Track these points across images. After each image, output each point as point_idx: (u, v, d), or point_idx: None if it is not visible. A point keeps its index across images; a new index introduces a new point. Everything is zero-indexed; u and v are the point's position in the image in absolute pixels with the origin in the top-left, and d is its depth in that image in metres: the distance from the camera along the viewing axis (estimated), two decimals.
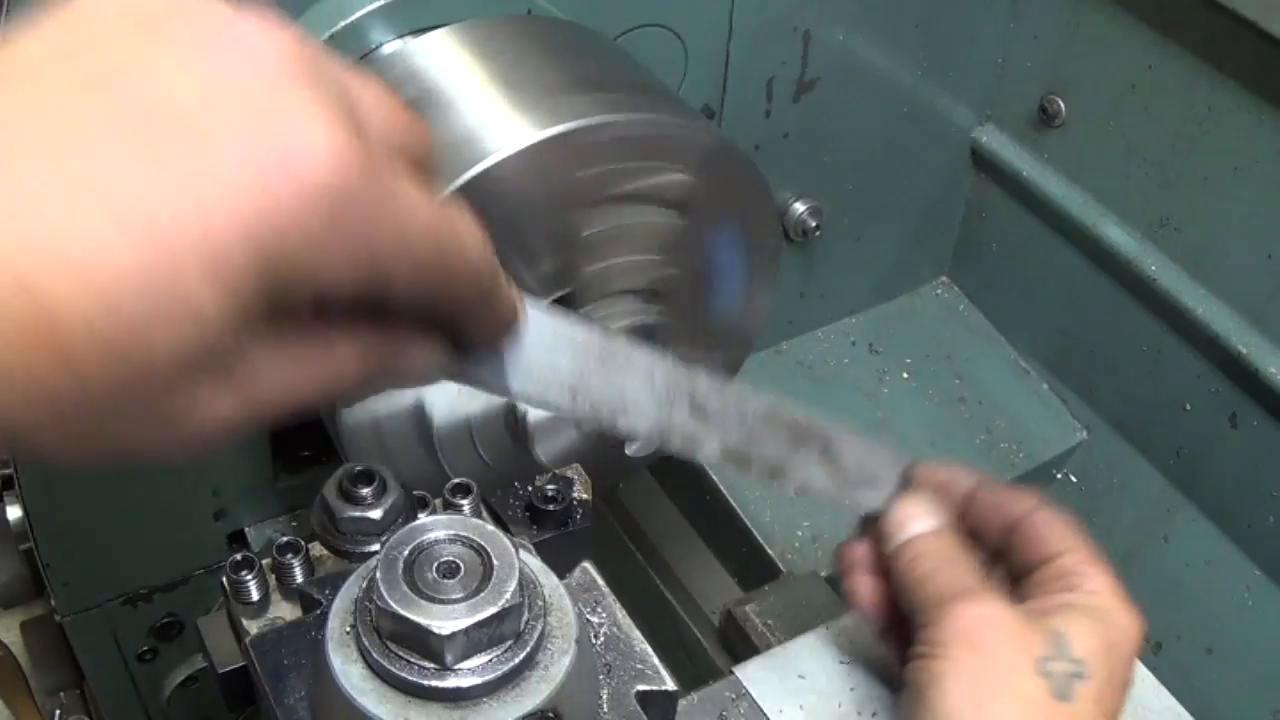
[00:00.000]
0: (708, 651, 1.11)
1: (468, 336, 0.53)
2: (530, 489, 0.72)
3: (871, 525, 0.72)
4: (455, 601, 0.53)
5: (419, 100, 0.77)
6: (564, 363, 0.61)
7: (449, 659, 0.53)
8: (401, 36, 0.83)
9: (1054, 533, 0.69)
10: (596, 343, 0.62)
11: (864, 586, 0.72)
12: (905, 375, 1.36)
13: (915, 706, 0.62)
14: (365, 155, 0.42)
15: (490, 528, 0.57)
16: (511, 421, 0.82)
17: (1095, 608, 0.64)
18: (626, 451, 0.82)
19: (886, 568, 0.70)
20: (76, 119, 0.39)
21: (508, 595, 0.54)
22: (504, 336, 0.56)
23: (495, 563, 0.55)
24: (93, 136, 0.39)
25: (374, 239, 0.43)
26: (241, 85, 0.41)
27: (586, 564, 0.67)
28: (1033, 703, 0.60)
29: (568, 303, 0.80)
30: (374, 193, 0.42)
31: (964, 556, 0.68)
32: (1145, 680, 0.80)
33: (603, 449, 0.86)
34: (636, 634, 0.64)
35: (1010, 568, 0.70)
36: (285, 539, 0.66)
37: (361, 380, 0.49)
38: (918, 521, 0.70)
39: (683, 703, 0.70)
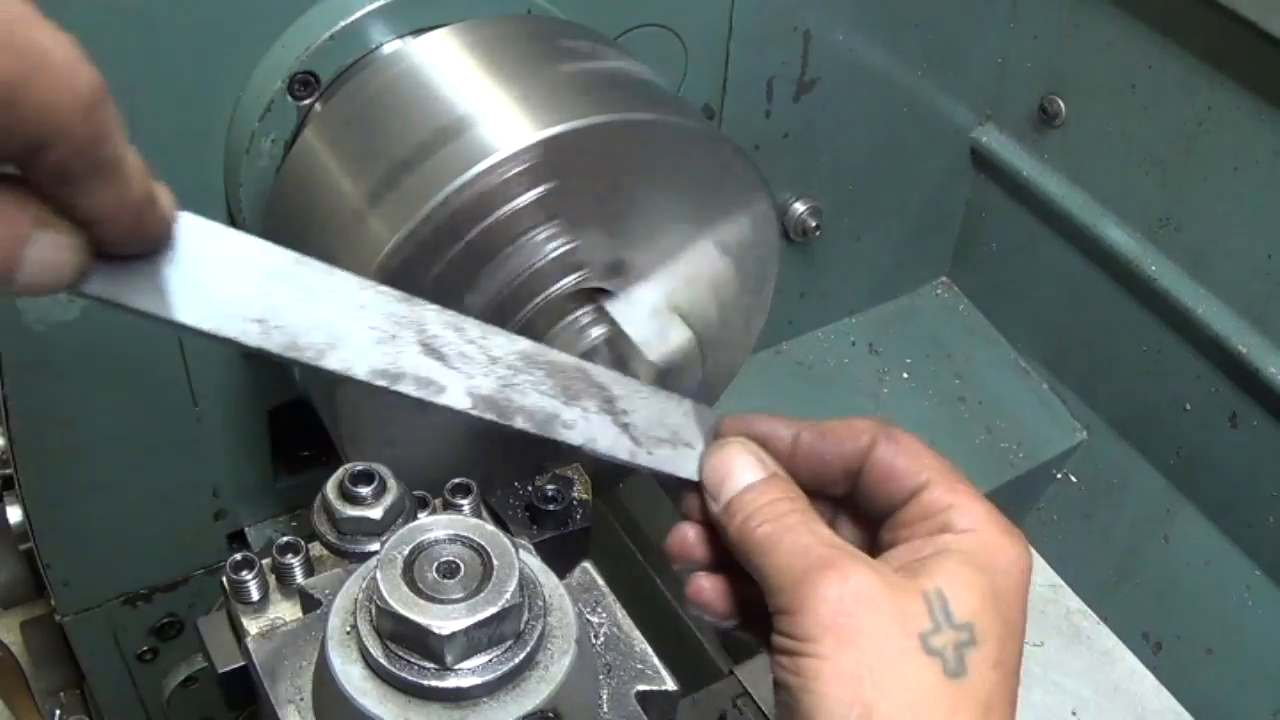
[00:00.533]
0: (708, 651, 1.11)
1: (95, 218, 0.45)
2: (530, 489, 0.72)
3: (691, 499, 0.64)
4: (455, 601, 0.53)
5: (419, 100, 0.77)
6: (246, 288, 0.52)
7: (449, 659, 0.53)
8: (401, 36, 0.83)
9: (908, 464, 0.60)
10: (287, 267, 0.54)
11: (706, 590, 0.63)
12: (905, 375, 1.36)
13: (790, 714, 0.54)
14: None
15: (490, 528, 0.57)
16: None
17: (970, 549, 0.56)
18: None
19: (724, 550, 0.62)
20: None
21: (508, 595, 0.54)
22: (142, 232, 0.48)
23: (495, 563, 0.55)
24: None
25: (14, 66, 0.38)
26: None
27: (586, 564, 0.67)
28: (925, 690, 0.52)
29: (564, 303, 0.80)
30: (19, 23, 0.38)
31: (804, 506, 0.59)
32: (1145, 680, 0.80)
33: None
34: (636, 634, 0.64)
35: (865, 513, 0.62)
36: (285, 539, 0.66)
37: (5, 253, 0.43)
38: (741, 472, 0.61)
39: (683, 703, 0.70)
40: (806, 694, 0.53)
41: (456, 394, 0.58)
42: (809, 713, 0.53)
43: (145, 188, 0.47)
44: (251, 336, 0.53)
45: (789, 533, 0.57)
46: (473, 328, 0.59)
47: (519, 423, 0.59)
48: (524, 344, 0.60)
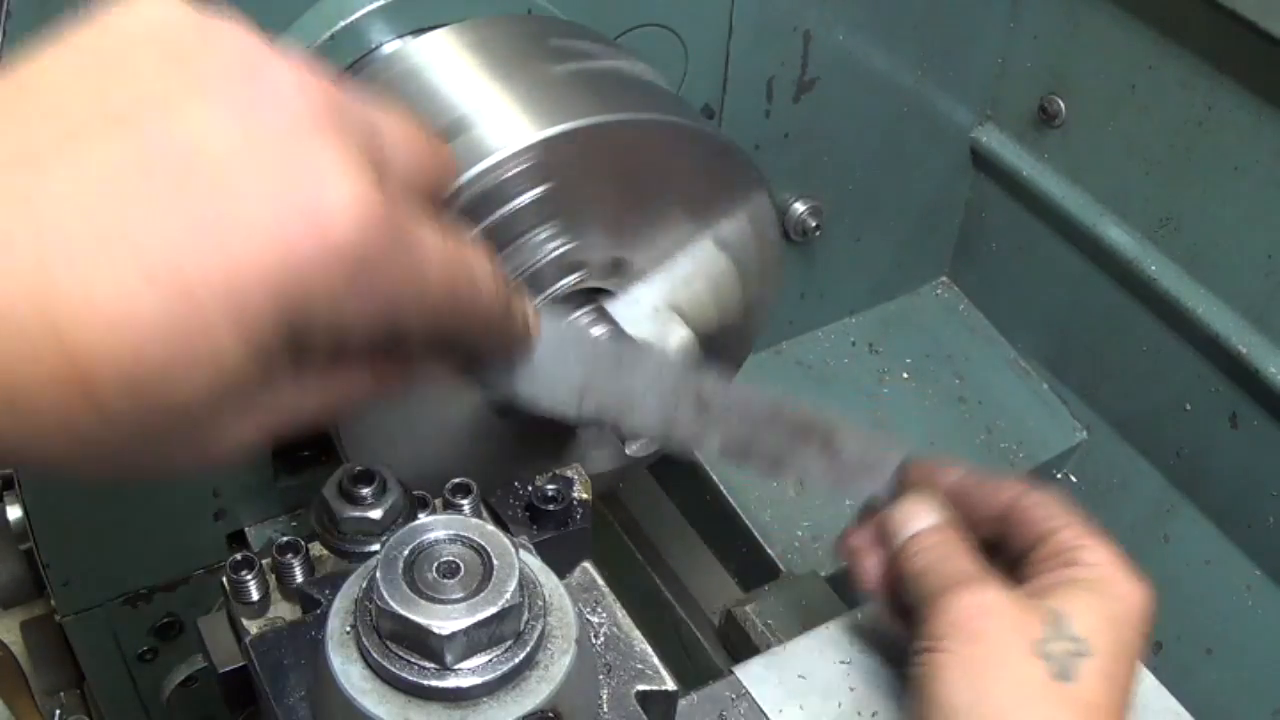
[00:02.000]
0: (708, 651, 1.11)
1: (480, 359, 0.56)
2: (530, 489, 0.72)
3: (870, 514, 0.73)
4: (455, 601, 0.53)
5: (419, 100, 0.77)
6: (573, 367, 0.62)
7: (449, 659, 0.53)
8: (401, 36, 0.83)
9: (1046, 511, 0.68)
10: (606, 347, 0.65)
11: (869, 564, 0.72)
12: (905, 375, 1.36)
13: (918, 702, 0.62)
14: (386, 208, 0.43)
15: (490, 528, 0.57)
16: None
17: (1095, 580, 0.64)
18: (626, 451, 0.82)
19: (889, 560, 0.71)
20: (104, 160, 0.40)
21: (508, 595, 0.54)
22: (515, 356, 0.59)
23: (495, 563, 0.55)
24: (121, 180, 0.40)
25: (392, 291, 0.45)
26: (270, 133, 0.42)
27: (586, 564, 0.67)
28: (1032, 685, 0.59)
29: (563, 304, 0.80)
30: (393, 247, 0.44)
31: (963, 548, 0.68)
32: (1145, 680, 0.80)
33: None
34: (636, 634, 0.64)
35: (1007, 553, 0.70)
36: (285, 539, 0.66)
37: (374, 398, 0.52)
38: (919, 519, 0.70)
39: (683, 703, 0.70)
40: (933, 682, 0.61)
41: (712, 444, 0.68)
42: (933, 697, 0.61)
43: (525, 321, 0.58)
44: (571, 406, 0.64)
45: (945, 560, 0.66)
46: (739, 390, 0.70)
47: (754, 468, 0.70)
48: (772, 397, 0.70)
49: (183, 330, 0.40)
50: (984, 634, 0.61)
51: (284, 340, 0.43)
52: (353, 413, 0.79)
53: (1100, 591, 0.63)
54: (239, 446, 0.47)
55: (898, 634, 0.72)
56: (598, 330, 0.79)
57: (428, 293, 0.48)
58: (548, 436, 0.87)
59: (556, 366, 0.62)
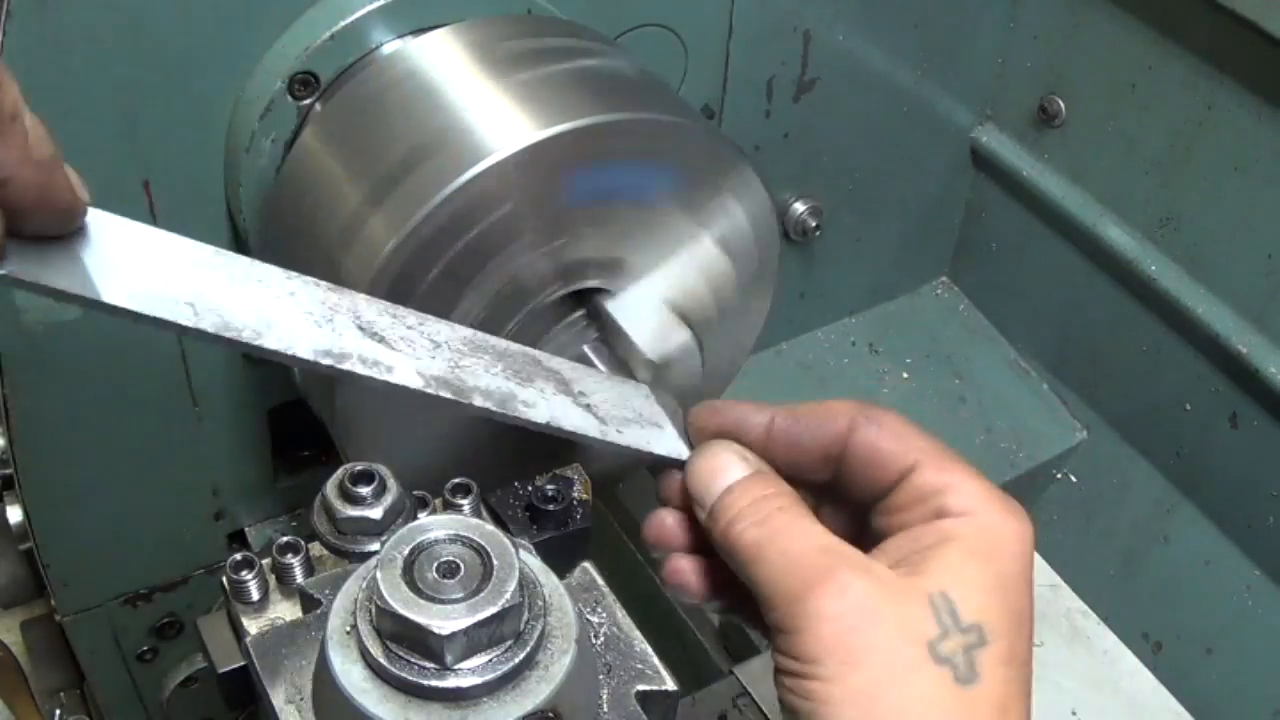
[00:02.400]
0: (708, 651, 1.11)
1: (7, 195, 0.46)
2: (530, 489, 0.72)
3: (666, 485, 0.63)
4: (455, 601, 0.53)
5: (419, 100, 0.77)
6: (172, 274, 0.53)
7: (449, 659, 0.53)
8: (401, 36, 0.83)
9: (892, 445, 0.57)
10: (210, 257, 0.54)
11: (685, 571, 0.62)
12: (905, 375, 1.36)
13: None
14: None
15: (490, 528, 0.57)
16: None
17: (972, 535, 0.54)
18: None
19: (703, 537, 0.60)
20: None
21: (508, 595, 0.54)
22: (53, 194, 0.48)
23: (495, 563, 0.55)
24: None
25: None
26: None
27: (586, 564, 0.67)
28: (937, 703, 0.51)
29: (564, 303, 0.80)
30: None
31: (790, 503, 0.57)
32: (1145, 680, 0.80)
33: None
34: (636, 634, 0.64)
35: (850, 499, 0.59)
36: (285, 539, 0.66)
37: None
38: (724, 472, 0.59)
39: (683, 703, 0.70)
40: (817, 718, 0.51)
41: (406, 373, 0.58)
42: None
43: (50, 150, 0.47)
44: (184, 318, 0.53)
45: (777, 537, 0.55)
46: (409, 315, 0.59)
47: (478, 401, 0.59)
48: (465, 331, 0.60)
49: None
50: (868, 649, 0.51)
51: None
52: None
53: (982, 551, 0.53)
54: None
55: (750, 629, 0.62)
56: (595, 329, 0.78)
57: None
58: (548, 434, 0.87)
59: (148, 268, 0.52)
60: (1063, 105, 1.21)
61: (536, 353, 0.62)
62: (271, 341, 0.55)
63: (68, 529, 0.93)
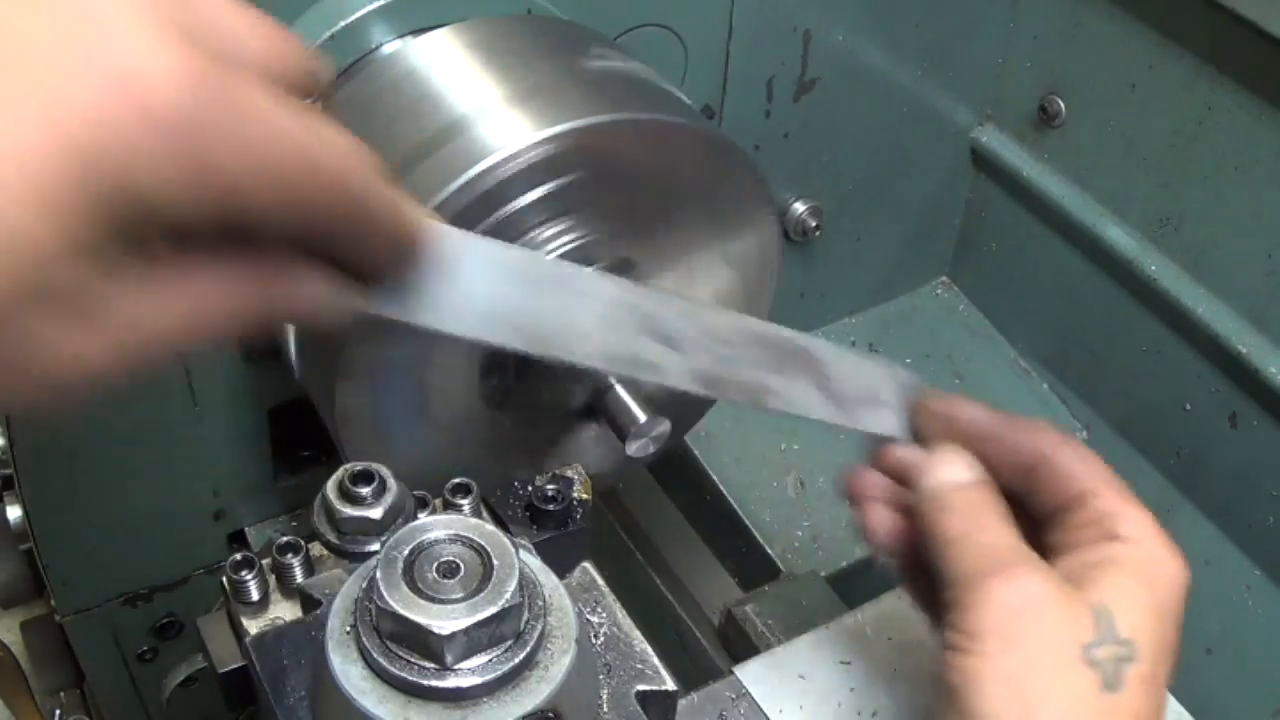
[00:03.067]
0: (708, 651, 1.11)
1: (357, 264, 0.48)
2: (530, 489, 0.72)
3: (883, 454, 0.67)
4: (455, 601, 0.53)
5: (419, 100, 0.77)
6: (496, 292, 0.55)
7: (449, 659, 0.53)
8: (401, 36, 0.83)
9: (1082, 469, 0.62)
10: (532, 266, 0.57)
11: (879, 518, 0.66)
12: None
13: (951, 709, 0.57)
14: (208, 69, 0.39)
15: (490, 528, 0.57)
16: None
17: (1138, 562, 0.59)
18: (627, 451, 0.82)
19: (906, 507, 0.65)
20: None
21: (508, 595, 0.54)
22: (402, 262, 0.51)
23: (495, 563, 0.55)
24: None
25: (223, 159, 0.40)
26: (65, 5, 0.39)
27: (586, 564, 0.67)
28: (1081, 698, 0.55)
29: None
30: (220, 109, 0.39)
31: (1001, 515, 0.61)
32: None
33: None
34: (636, 634, 0.64)
35: (1033, 508, 0.64)
36: (285, 539, 0.66)
37: (237, 316, 0.46)
38: (952, 471, 0.63)
39: (683, 703, 0.70)
40: (968, 690, 0.55)
41: (678, 374, 0.61)
42: (968, 709, 0.55)
43: (409, 221, 0.49)
44: (503, 337, 0.56)
45: (976, 530, 0.60)
46: (698, 309, 0.62)
47: (732, 395, 0.63)
48: (743, 320, 0.63)
49: None
50: (1027, 637, 0.56)
51: (102, 223, 0.38)
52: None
53: (1144, 577, 0.58)
54: (79, 366, 0.42)
55: (912, 598, 0.67)
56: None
57: (268, 165, 0.41)
58: (548, 435, 0.87)
59: (473, 290, 0.54)
60: (1063, 105, 1.21)
61: (796, 337, 0.65)
62: (571, 354, 0.58)
63: (68, 529, 0.93)
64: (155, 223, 0.40)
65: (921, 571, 0.64)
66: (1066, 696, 0.55)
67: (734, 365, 0.63)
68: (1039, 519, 0.64)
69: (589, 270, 0.59)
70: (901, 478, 0.66)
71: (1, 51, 0.37)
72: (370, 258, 0.48)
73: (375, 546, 0.65)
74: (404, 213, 0.49)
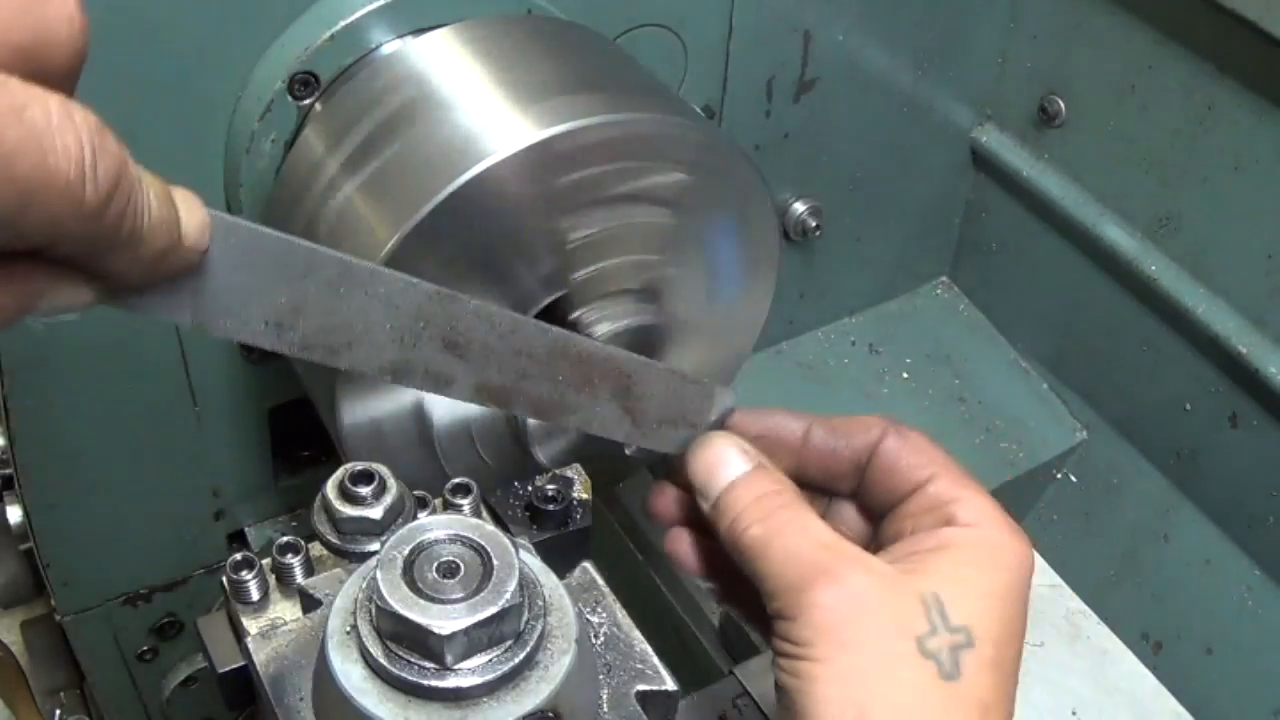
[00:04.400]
0: (708, 651, 1.11)
1: (106, 275, 0.44)
2: (530, 489, 0.72)
3: (673, 468, 0.65)
4: (455, 601, 0.53)
5: (419, 100, 0.77)
6: (267, 287, 0.52)
7: (449, 659, 0.53)
8: (401, 36, 0.83)
9: (915, 459, 0.60)
10: (322, 263, 0.53)
11: (684, 544, 0.64)
12: (905, 375, 1.36)
13: (788, 716, 0.55)
14: None
15: (490, 528, 0.57)
16: (511, 422, 0.82)
17: (972, 546, 0.57)
18: (626, 452, 0.82)
19: (706, 524, 0.62)
20: None
21: (508, 595, 0.54)
22: (160, 275, 0.47)
23: (495, 563, 0.55)
24: None
25: None
26: None
27: (586, 564, 0.67)
28: (920, 692, 0.53)
29: (565, 302, 0.80)
30: None
31: (793, 499, 0.59)
32: (1145, 680, 0.80)
33: (603, 448, 0.87)
34: (636, 634, 0.64)
35: (870, 506, 0.62)
36: (285, 539, 0.66)
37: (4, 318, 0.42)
38: (726, 466, 0.61)
39: (683, 703, 0.70)
40: (803, 695, 0.54)
41: (463, 386, 0.58)
42: (805, 713, 0.53)
43: (163, 241, 0.45)
44: (267, 338, 0.53)
45: (780, 534, 0.57)
46: (506, 320, 0.59)
47: (518, 410, 0.60)
48: (557, 334, 0.61)
49: None
50: (860, 638, 0.54)
51: None
52: (327, 400, 0.71)
53: (980, 562, 0.56)
54: None
55: (737, 614, 0.64)
56: (598, 328, 0.78)
57: (58, 201, 0.38)
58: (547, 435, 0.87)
59: (241, 284, 0.50)
60: (1063, 105, 1.21)
61: (617, 353, 0.63)
62: (346, 360, 0.55)
63: (68, 529, 0.93)
64: None
65: (740, 583, 0.62)
66: (904, 691, 0.53)
67: (528, 379, 0.60)
68: (877, 513, 0.62)
69: (381, 269, 0.55)
70: (691, 490, 0.64)
71: None
72: (120, 271, 0.44)
73: (375, 546, 0.65)
74: (164, 229, 0.45)
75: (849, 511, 0.64)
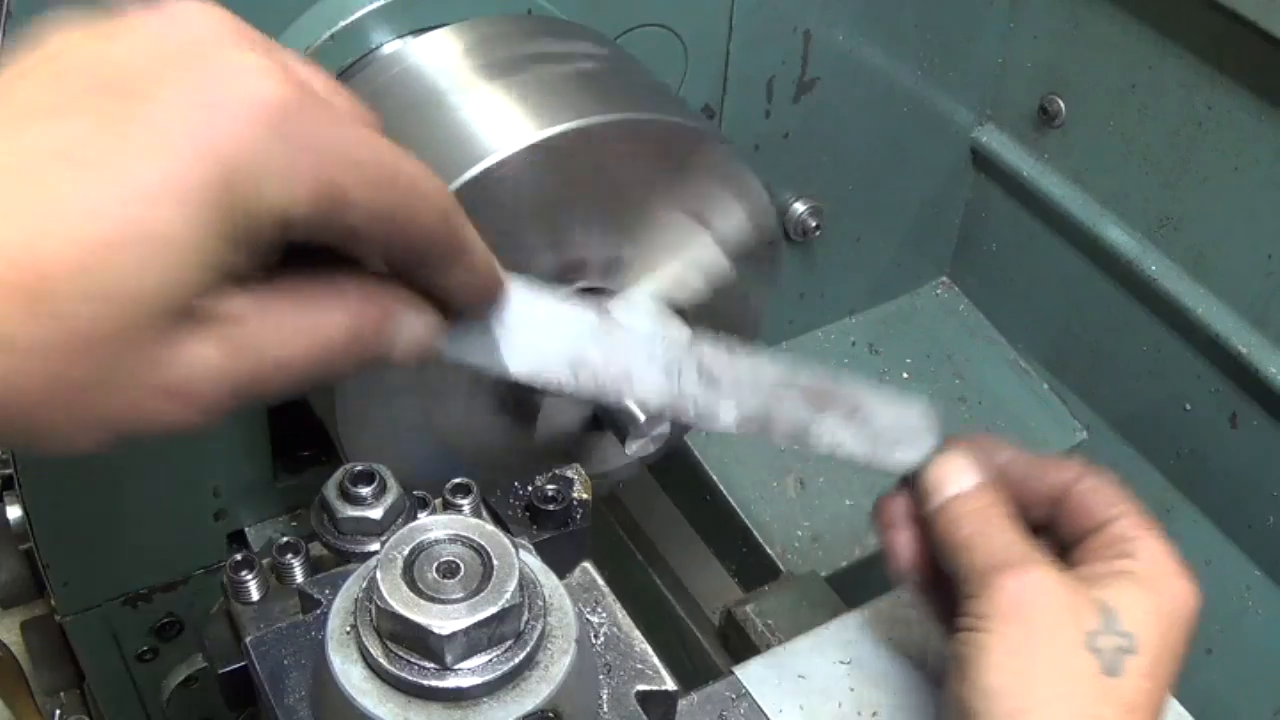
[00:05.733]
0: (708, 651, 1.11)
1: (450, 294, 0.53)
2: (530, 489, 0.72)
3: (909, 483, 0.70)
4: (455, 601, 0.53)
5: (419, 100, 0.77)
6: (559, 338, 0.61)
7: (449, 659, 0.53)
8: (401, 36, 0.83)
9: (1103, 498, 0.66)
10: (589, 317, 0.62)
11: (902, 542, 0.70)
12: (905, 375, 1.36)
13: (957, 680, 0.60)
14: (305, 87, 0.46)
15: (490, 528, 0.57)
16: (512, 402, 0.82)
17: (1147, 576, 0.62)
18: (626, 451, 0.82)
19: (925, 526, 0.68)
20: (25, 100, 0.43)
21: (508, 595, 0.54)
22: (487, 298, 0.57)
23: (495, 563, 0.55)
24: (46, 111, 0.42)
25: (321, 150, 0.45)
26: (182, 49, 0.44)
27: (586, 564, 0.67)
28: (1079, 678, 0.58)
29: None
30: (317, 111, 0.45)
31: (1008, 516, 0.65)
32: None
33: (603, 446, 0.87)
34: (636, 634, 0.64)
35: (1058, 538, 0.67)
36: (285, 539, 0.66)
37: (352, 345, 0.50)
38: (958, 478, 0.67)
39: (683, 703, 0.70)
40: (976, 662, 0.59)
41: (728, 416, 0.66)
42: (973, 678, 0.59)
43: (489, 263, 0.55)
44: (566, 379, 0.62)
45: (989, 534, 0.64)
46: (742, 357, 0.67)
47: (776, 439, 0.68)
48: (783, 366, 0.68)
49: (127, 217, 0.41)
50: (1034, 618, 0.59)
51: (228, 220, 0.43)
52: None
53: (1151, 587, 0.62)
54: (212, 380, 0.45)
55: (928, 615, 0.70)
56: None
57: (362, 164, 0.46)
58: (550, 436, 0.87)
59: (540, 335, 0.60)
60: (1063, 105, 1.21)
61: (834, 382, 0.69)
62: (631, 395, 0.64)
63: (68, 529, 0.93)
64: (269, 218, 0.44)
65: (939, 585, 0.68)
66: (1066, 674, 0.58)
67: (779, 408, 0.67)
68: (1065, 546, 0.67)
69: (637, 326, 0.64)
70: (918, 495, 0.69)
71: (140, 92, 0.43)
72: (462, 290, 0.53)
73: (375, 546, 0.65)
74: (490, 257, 0.54)
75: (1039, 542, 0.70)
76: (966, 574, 0.63)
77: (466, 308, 0.56)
